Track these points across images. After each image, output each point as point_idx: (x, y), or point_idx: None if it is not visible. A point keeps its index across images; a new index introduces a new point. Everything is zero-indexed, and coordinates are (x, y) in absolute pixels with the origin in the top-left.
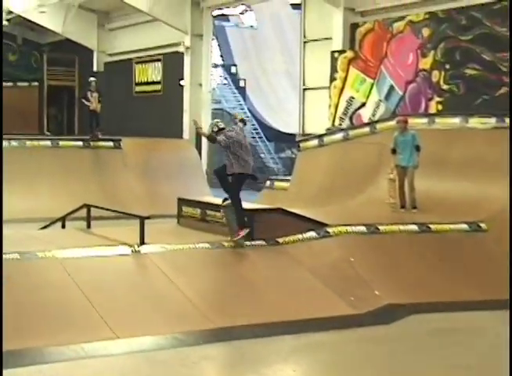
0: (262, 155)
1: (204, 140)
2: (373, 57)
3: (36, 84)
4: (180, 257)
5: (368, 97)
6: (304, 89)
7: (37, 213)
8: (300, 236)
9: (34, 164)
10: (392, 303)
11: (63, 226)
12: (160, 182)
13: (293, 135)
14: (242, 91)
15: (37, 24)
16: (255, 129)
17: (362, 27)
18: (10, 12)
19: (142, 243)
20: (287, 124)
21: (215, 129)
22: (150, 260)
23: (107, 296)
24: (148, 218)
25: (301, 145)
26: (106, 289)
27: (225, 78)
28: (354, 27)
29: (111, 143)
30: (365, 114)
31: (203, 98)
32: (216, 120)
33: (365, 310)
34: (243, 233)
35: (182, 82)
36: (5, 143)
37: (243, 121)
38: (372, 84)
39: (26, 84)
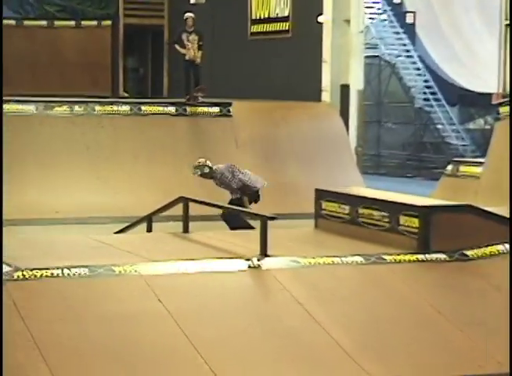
0: (440, 126)
1: (353, 104)
2: None
3: (108, 23)
4: (319, 275)
5: None
6: (508, 25)
7: (111, 210)
8: (500, 248)
9: (105, 139)
10: None
11: (149, 230)
12: (288, 165)
13: (487, 96)
14: (409, 30)
15: None
16: (429, 87)
17: None
18: None
19: (265, 254)
20: (479, 80)
21: (206, 171)
22: (276, 279)
23: (214, 332)
24: (273, 218)
25: (501, 111)
26: (213, 322)
27: (385, 11)
28: None
29: (217, 109)
30: None
31: (351, 41)
32: (201, 159)
33: None
34: None
35: (320, 18)
36: (65, 109)
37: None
38: None
39: (93, 23)
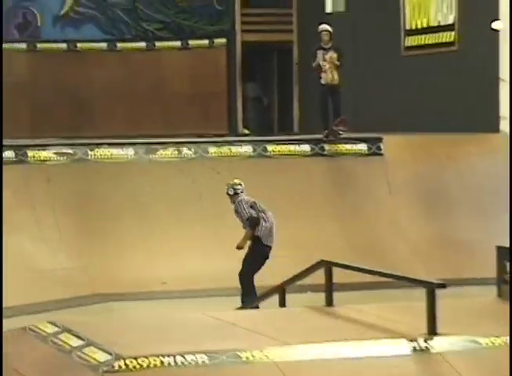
0: None
1: None
2: None
3: (222, 41)
4: (506, 360)
5: None
6: None
7: (232, 279)
8: None
9: (221, 188)
10: None
11: (282, 303)
12: (457, 216)
13: None
14: None
15: None
16: None
17: None
18: None
19: (434, 333)
20: None
21: (230, 192)
22: (449, 365)
23: None
24: (443, 285)
25: None
26: None
27: None
28: None
29: (364, 146)
30: None
31: None
32: (236, 180)
33: None
34: None
35: (495, 25)
36: (171, 152)
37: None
38: None
39: (204, 42)
